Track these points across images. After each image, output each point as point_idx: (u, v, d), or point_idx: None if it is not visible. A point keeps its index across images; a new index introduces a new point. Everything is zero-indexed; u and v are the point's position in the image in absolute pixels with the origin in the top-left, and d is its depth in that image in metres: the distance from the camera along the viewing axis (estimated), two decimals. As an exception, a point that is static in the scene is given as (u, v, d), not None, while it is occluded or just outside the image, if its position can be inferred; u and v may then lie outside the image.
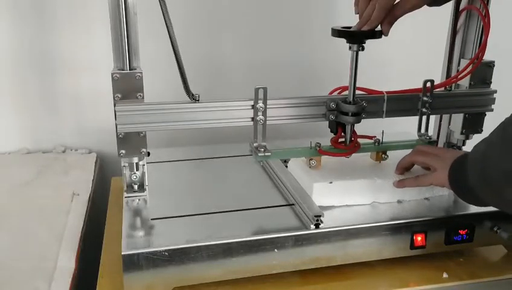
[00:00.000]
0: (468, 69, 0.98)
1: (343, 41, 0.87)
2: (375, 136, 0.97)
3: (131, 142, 0.87)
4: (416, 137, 1.01)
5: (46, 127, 1.31)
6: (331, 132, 0.95)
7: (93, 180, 1.15)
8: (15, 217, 0.99)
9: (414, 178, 0.89)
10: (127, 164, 0.90)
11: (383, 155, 0.98)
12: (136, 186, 0.92)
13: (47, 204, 1.03)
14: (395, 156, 0.96)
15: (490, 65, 1.01)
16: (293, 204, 0.89)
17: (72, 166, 1.22)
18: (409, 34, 1.29)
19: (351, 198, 0.90)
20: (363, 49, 0.87)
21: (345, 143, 0.93)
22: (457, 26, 1.01)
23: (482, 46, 0.96)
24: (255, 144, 0.91)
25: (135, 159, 0.90)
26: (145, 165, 0.92)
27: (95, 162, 1.25)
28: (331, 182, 0.89)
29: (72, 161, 1.26)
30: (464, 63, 1.01)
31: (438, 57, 1.06)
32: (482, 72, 1.00)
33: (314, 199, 0.88)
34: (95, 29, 1.23)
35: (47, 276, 0.81)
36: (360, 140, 0.95)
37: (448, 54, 1.03)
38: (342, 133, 0.93)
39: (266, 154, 0.89)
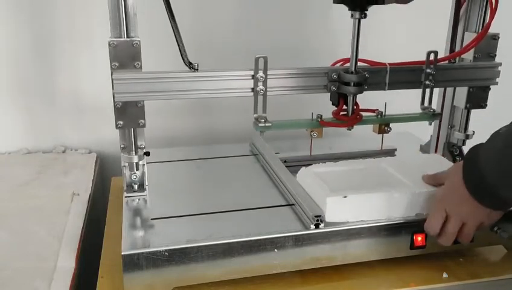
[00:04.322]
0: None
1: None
2: (377, 109, 0.94)
3: (129, 112, 0.85)
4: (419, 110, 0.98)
5: (46, 127, 1.31)
6: (333, 104, 0.92)
7: (93, 180, 1.15)
8: (15, 217, 0.98)
9: (431, 175, 0.87)
10: (127, 164, 0.90)
11: (386, 128, 0.95)
12: (136, 186, 0.92)
13: (47, 204, 1.03)
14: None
15: (495, 38, 0.99)
16: (293, 204, 0.89)
17: (72, 166, 1.22)
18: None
19: (367, 213, 0.84)
20: (365, 16, 0.84)
21: (346, 115, 0.91)
22: None
23: (490, 18, 0.93)
24: (255, 115, 0.89)
25: (135, 159, 0.89)
26: (145, 165, 0.92)
27: (95, 162, 1.25)
28: (345, 196, 0.83)
29: (72, 161, 1.25)
30: (468, 36, 0.99)
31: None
32: (487, 44, 0.98)
33: (328, 215, 0.82)
34: (95, 30, 1.23)
35: (47, 276, 0.81)
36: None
37: (452, 26, 0.99)
38: (344, 106, 0.91)
39: (267, 124, 0.88)
